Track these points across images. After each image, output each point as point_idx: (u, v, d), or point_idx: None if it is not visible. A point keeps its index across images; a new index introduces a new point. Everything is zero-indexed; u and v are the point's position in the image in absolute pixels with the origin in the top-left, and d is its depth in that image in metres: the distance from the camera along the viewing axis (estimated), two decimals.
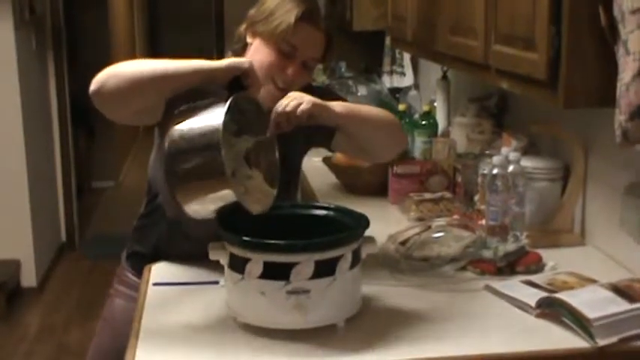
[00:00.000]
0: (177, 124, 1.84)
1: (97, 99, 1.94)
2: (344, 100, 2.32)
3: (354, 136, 2.16)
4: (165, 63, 1.94)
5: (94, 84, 1.92)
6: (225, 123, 1.77)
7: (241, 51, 2.20)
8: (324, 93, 2.34)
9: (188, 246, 2.21)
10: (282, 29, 2.08)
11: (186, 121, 1.83)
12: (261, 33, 2.12)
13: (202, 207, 1.85)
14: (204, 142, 1.78)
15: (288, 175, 2.20)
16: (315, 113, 1.97)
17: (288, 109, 1.94)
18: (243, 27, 2.20)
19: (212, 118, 1.79)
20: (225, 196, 1.80)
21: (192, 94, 1.92)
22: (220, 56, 2.19)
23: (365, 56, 5.16)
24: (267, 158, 1.97)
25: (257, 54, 2.12)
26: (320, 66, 4.74)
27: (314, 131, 2.22)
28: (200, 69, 1.93)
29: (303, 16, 2.09)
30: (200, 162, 1.79)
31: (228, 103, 1.81)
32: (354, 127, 2.14)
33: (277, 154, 1.97)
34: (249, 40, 2.17)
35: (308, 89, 2.24)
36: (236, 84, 1.92)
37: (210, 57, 2.08)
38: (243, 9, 2.23)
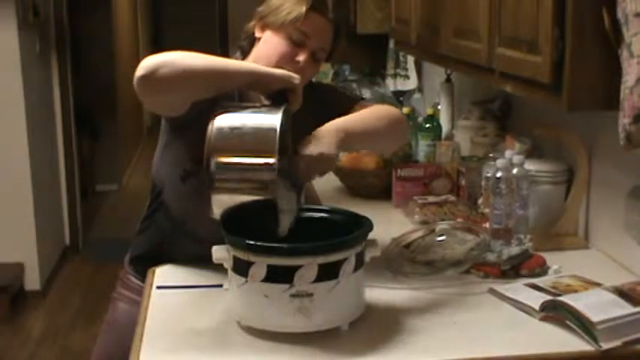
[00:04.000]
0: (229, 117, 1.83)
1: (145, 84, 1.89)
2: (351, 98, 2.32)
3: (365, 147, 2.18)
4: (218, 60, 1.94)
5: (144, 69, 1.87)
6: (281, 125, 1.77)
7: (249, 47, 2.20)
8: (328, 92, 2.34)
9: (191, 247, 2.22)
10: (294, 17, 2.09)
11: (238, 115, 1.84)
12: (271, 24, 2.13)
13: (230, 199, 1.83)
14: (259, 140, 1.78)
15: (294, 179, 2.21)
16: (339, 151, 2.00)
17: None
18: (252, 23, 2.20)
19: (268, 119, 1.80)
20: (258, 195, 1.80)
21: (220, 97, 1.93)
22: (225, 57, 2.19)
23: (369, 59, 5.15)
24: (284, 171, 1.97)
25: (267, 45, 2.13)
26: (328, 72, 4.77)
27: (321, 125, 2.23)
28: (254, 71, 1.95)
29: (314, 5, 2.11)
30: (253, 173, 1.79)
31: (282, 109, 1.82)
32: (368, 144, 2.21)
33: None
34: (257, 34, 2.17)
35: (312, 89, 2.25)
36: (279, 96, 1.92)
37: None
38: (247, 10, 2.23)
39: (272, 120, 1.81)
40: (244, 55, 2.22)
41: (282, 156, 1.82)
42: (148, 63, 1.88)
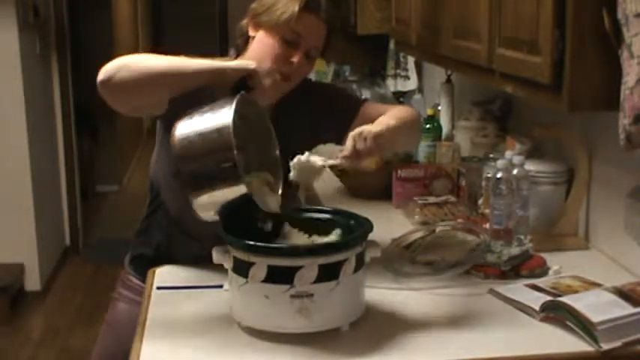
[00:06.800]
0: (185, 124, 1.84)
1: (105, 89, 1.93)
2: (355, 100, 2.32)
3: (394, 149, 2.18)
4: (176, 60, 1.95)
5: (103, 73, 1.91)
6: (233, 120, 1.77)
7: (244, 45, 2.21)
8: (329, 92, 2.34)
9: (191, 246, 2.22)
10: (287, 17, 2.09)
11: (195, 120, 1.84)
12: (264, 23, 2.13)
13: (210, 198, 1.83)
14: (215, 139, 1.78)
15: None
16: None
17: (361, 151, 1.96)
18: (245, 21, 2.21)
19: (220, 117, 1.80)
20: (235, 192, 1.80)
21: (196, 93, 1.93)
22: (224, 57, 2.20)
23: (369, 60, 5.16)
24: (269, 159, 1.98)
25: (260, 46, 2.14)
26: (328, 72, 4.77)
27: (325, 129, 2.23)
28: (210, 68, 1.95)
29: (306, 5, 2.11)
30: (211, 159, 1.79)
31: (235, 101, 1.81)
32: (397, 146, 2.21)
33: (278, 154, 1.98)
34: (251, 33, 2.18)
35: (310, 88, 2.26)
36: (242, 85, 1.92)
37: (213, 58, 2.09)
38: (247, 10, 2.23)
39: (226, 115, 1.80)
40: (238, 53, 2.22)
41: (246, 144, 1.87)
42: (107, 67, 1.92)
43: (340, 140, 2.31)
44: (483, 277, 2.22)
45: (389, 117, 2.13)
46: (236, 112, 1.80)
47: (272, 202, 1.91)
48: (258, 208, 1.86)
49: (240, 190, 1.79)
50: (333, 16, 2.18)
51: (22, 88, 5.22)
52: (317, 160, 1.96)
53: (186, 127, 1.84)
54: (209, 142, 1.80)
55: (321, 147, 2.20)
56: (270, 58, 2.10)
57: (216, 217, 1.86)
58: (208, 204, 1.84)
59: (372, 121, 2.15)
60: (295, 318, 1.80)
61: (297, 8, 2.09)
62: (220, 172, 1.79)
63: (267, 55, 2.11)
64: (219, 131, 1.78)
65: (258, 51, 2.14)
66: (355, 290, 1.89)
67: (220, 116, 1.80)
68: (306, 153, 1.97)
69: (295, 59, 2.11)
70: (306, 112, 2.26)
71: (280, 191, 1.96)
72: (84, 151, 6.90)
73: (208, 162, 1.80)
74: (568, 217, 2.51)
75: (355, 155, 1.95)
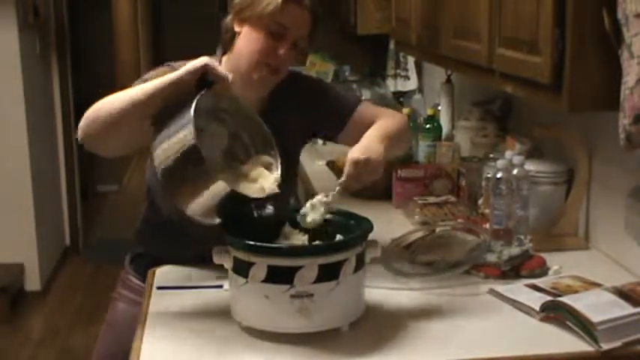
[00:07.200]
0: (154, 139, 1.85)
1: (88, 146, 1.98)
2: (349, 100, 2.32)
3: (390, 154, 2.21)
4: (131, 92, 1.93)
5: (79, 131, 1.96)
6: (194, 121, 1.78)
7: (230, 42, 2.21)
8: (319, 88, 2.34)
9: (190, 246, 2.21)
10: (271, 10, 2.10)
11: (163, 132, 1.84)
12: (249, 18, 2.14)
13: (202, 207, 1.84)
14: (181, 145, 1.79)
15: (287, 165, 2.23)
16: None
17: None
18: (229, 17, 2.21)
19: (183, 122, 1.80)
20: (219, 190, 1.80)
21: (170, 108, 1.92)
22: (212, 55, 2.20)
23: (369, 60, 5.16)
24: (264, 141, 2.00)
25: (247, 41, 2.15)
26: (328, 72, 4.77)
27: (317, 123, 2.25)
28: (163, 85, 1.91)
29: None
30: (183, 165, 1.80)
31: (194, 102, 1.81)
32: (393, 151, 2.21)
33: (269, 131, 2.00)
34: (237, 28, 2.18)
35: (297, 80, 2.26)
36: (205, 83, 1.92)
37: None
38: None
39: (187, 118, 1.80)
40: (225, 50, 2.23)
41: (239, 132, 1.96)
42: (80, 126, 1.95)
43: (334, 138, 2.33)
44: (483, 277, 2.22)
45: (382, 130, 2.16)
46: (195, 111, 1.80)
47: (258, 189, 1.91)
48: (250, 199, 1.86)
49: (221, 187, 1.79)
50: (316, 4, 2.18)
51: (22, 88, 5.21)
52: (320, 198, 1.98)
53: (158, 139, 1.84)
54: (177, 146, 1.80)
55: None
56: (257, 53, 2.12)
57: (213, 220, 1.86)
58: (203, 207, 1.84)
59: (364, 124, 2.18)
60: (295, 318, 1.80)
61: (280, 0, 2.10)
62: (195, 174, 1.80)
63: (254, 49, 2.12)
64: (184, 135, 1.78)
65: (244, 46, 2.15)
66: (355, 290, 1.89)
67: (183, 121, 1.81)
68: (309, 202, 1.99)
69: (282, 51, 2.12)
70: (297, 104, 2.28)
71: (279, 171, 1.96)
72: (84, 151, 6.87)
73: (182, 167, 1.80)
74: (568, 217, 2.51)
75: (355, 179, 1.99)
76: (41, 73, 5.72)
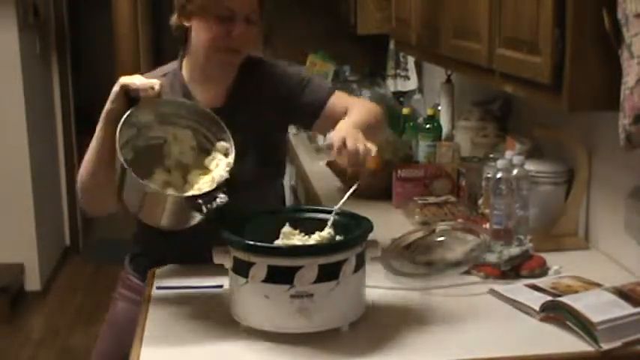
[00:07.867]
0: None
1: (92, 214, 2.28)
2: (318, 89, 2.30)
3: None
4: (87, 154, 2.13)
5: (81, 207, 2.25)
6: (119, 149, 1.88)
7: (184, 39, 2.23)
8: (284, 74, 2.32)
9: (190, 246, 2.21)
10: None
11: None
12: (194, 11, 2.15)
13: (172, 219, 1.92)
14: (121, 175, 1.92)
15: (268, 151, 2.23)
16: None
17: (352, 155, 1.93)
18: (174, 17, 2.23)
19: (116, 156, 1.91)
20: (174, 200, 1.89)
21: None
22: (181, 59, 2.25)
23: (369, 60, 5.16)
24: (218, 130, 2.04)
25: (199, 33, 2.17)
26: (329, 72, 4.76)
27: (292, 109, 2.27)
28: (102, 125, 2.02)
29: None
30: (131, 191, 1.93)
31: (118, 128, 1.90)
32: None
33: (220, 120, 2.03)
34: (186, 24, 2.20)
35: (260, 64, 2.29)
36: (134, 101, 1.97)
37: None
38: None
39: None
40: (184, 49, 2.26)
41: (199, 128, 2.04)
42: (79, 200, 2.20)
43: (308, 126, 2.36)
44: (483, 277, 2.22)
45: (356, 118, 2.11)
46: (120, 130, 1.89)
47: (208, 181, 1.95)
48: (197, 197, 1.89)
49: (173, 199, 1.88)
50: None
51: (22, 88, 5.21)
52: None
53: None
54: (120, 178, 1.94)
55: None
56: (212, 41, 2.14)
57: (193, 221, 1.93)
58: (173, 219, 1.93)
59: (338, 113, 2.16)
60: (295, 318, 1.80)
61: None
62: (144, 196, 1.91)
63: (207, 37, 2.14)
64: (119, 166, 1.91)
65: (199, 38, 2.17)
66: (355, 290, 1.89)
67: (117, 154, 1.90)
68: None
69: (236, 31, 2.13)
70: (266, 90, 2.26)
71: (233, 154, 1.99)
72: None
73: (132, 192, 1.93)
74: (568, 217, 2.51)
75: (340, 149, 1.93)
76: (41, 73, 5.72)
